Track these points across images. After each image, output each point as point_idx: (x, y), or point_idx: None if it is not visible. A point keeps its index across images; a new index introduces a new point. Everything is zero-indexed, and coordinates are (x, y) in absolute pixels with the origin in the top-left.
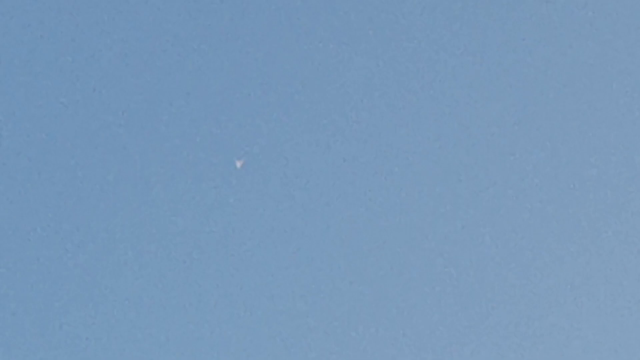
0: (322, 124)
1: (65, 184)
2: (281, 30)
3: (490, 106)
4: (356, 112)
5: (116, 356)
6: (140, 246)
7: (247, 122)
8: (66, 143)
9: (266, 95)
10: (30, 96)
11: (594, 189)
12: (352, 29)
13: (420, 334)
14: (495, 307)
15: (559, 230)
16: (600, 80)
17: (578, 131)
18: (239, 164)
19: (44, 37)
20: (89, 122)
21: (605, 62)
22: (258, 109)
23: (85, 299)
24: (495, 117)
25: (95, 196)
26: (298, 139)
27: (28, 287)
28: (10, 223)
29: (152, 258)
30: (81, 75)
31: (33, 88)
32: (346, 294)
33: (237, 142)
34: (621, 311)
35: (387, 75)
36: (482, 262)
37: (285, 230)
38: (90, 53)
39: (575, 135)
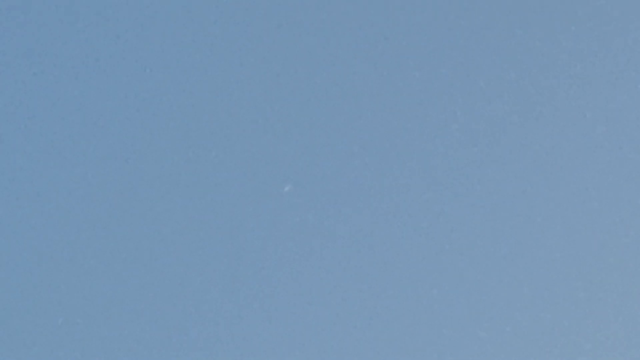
0: (322, 125)
1: (65, 183)
2: (282, 30)
3: (490, 107)
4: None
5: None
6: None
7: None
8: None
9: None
10: (30, 96)
11: (594, 189)
12: (352, 29)
13: (419, 333)
14: (495, 307)
15: (558, 229)
16: (600, 80)
17: (578, 131)
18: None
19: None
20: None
21: (606, 62)
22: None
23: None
24: (494, 117)
25: (95, 196)
26: (298, 140)
27: (28, 287)
28: (10, 223)
29: (152, 257)
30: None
31: (33, 88)
32: (347, 295)
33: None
34: (621, 310)
35: (387, 76)
36: (481, 262)
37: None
38: (89, 53)
39: (575, 135)
